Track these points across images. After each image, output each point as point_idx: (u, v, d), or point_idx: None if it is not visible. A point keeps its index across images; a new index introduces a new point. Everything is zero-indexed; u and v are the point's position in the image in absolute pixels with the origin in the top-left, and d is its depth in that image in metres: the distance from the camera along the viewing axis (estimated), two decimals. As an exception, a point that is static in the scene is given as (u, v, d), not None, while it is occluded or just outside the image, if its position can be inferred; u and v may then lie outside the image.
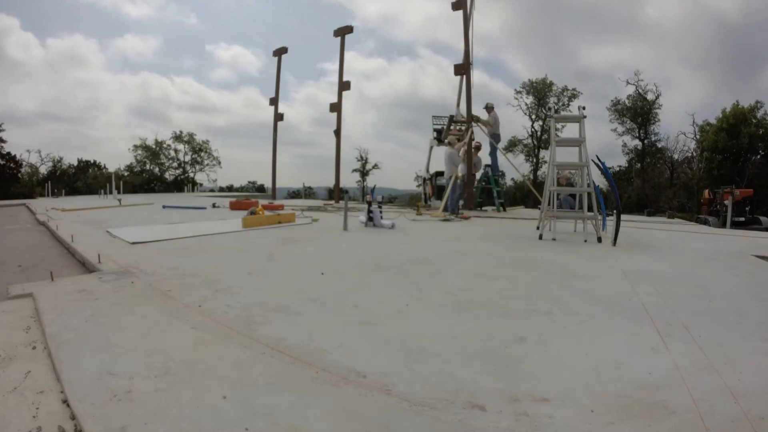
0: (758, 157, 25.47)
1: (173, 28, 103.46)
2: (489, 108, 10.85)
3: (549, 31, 70.01)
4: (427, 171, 12.83)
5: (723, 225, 11.67)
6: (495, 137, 10.67)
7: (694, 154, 28.31)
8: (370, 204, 6.61)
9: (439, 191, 11.64)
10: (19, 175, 30.61)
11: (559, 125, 7.30)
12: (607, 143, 33.28)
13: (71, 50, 72.69)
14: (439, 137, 11.97)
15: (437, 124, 12.46)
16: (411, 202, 17.17)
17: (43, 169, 32.88)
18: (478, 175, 11.33)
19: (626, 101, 29.83)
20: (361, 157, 38.63)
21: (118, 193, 16.83)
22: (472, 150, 10.39)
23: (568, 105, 31.61)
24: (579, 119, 5.66)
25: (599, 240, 5.08)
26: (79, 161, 34.24)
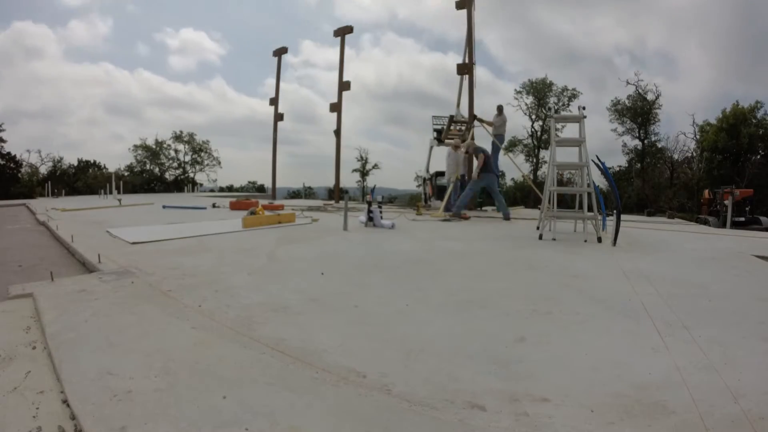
0: (758, 157, 25.46)
1: (114, 15, 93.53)
2: (499, 109, 10.85)
3: (531, 4, 66.59)
4: (427, 171, 12.83)
5: (723, 225, 11.66)
6: (499, 138, 10.66)
7: (694, 154, 28.31)
8: (370, 204, 6.61)
9: (439, 191, 11.65)
10: (19, 175, 30.60)
11: (559, 125, 7.30)
12: (607, 143, 33.05)
13: (24, 40, 66.64)
14: (440, 137, 11.97)
15: (437, 124, 12.46)
16: (411, 202, 17.17)
17: (43, 169, 32.89)
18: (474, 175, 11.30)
19: (626, 101, 29.84)
20: (361, 157, 38.63)
21: (118, 193, 16.84)
22: (459, 150, 10.23)
23: (568, 105, 31.64)
24: (579, 119, 5.67)
25: (599, 240, 5.08)
26: (79, 161, 34.25)
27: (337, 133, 14.66)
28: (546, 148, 29.40)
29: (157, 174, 35.97)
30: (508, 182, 31.62)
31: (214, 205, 10.91)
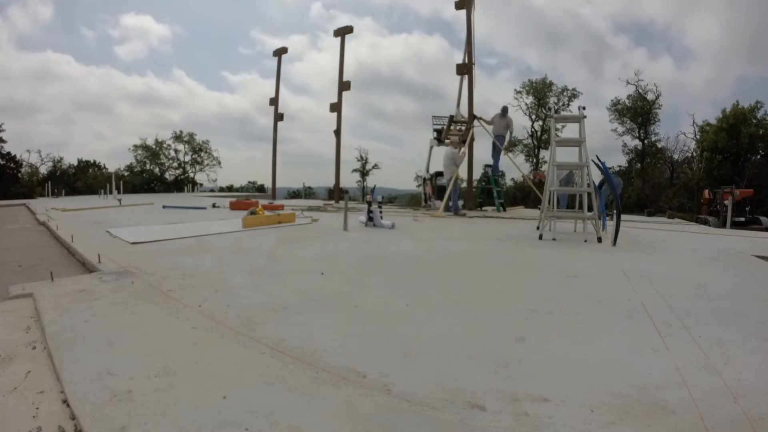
0: (758, 157, 25.43)
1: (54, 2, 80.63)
2: (504, 111, 10.79)
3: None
4: (427, 171, 12.83)
5: (723, 225, 11.66)
6: (499, 139, 10.65)
7: (694, 154, 28.30)
8: (370, 204, 6.61)
9: (439, 191, 11.65)
10: (19, 175, 30.58)
11: (559, 125, 7.30)
12: (607, 140, 32.62)
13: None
14: (439, 137, 11.98)
15: (437, 124, 12.46)
16: (411, 202, 17.17)
17: (43, 169, 32.87)
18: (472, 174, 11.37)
19: (626, 101, 29.84)
20: (361, 157, 38.64)
21: (118, 193, 16.84)
22: (460, 148, 10.12)
23: (568, 105, 31.62)
24: (579, 119, 5.67)
25: (599, 240, 5.09)
26: (79, 161, 34.26)
27: (337, 133, 14.66)
28: (546, 148, 29.39)
29: (157, 174, 35.95)
30: (508, 182, 31.59)
31: (214, 205, 10.91)
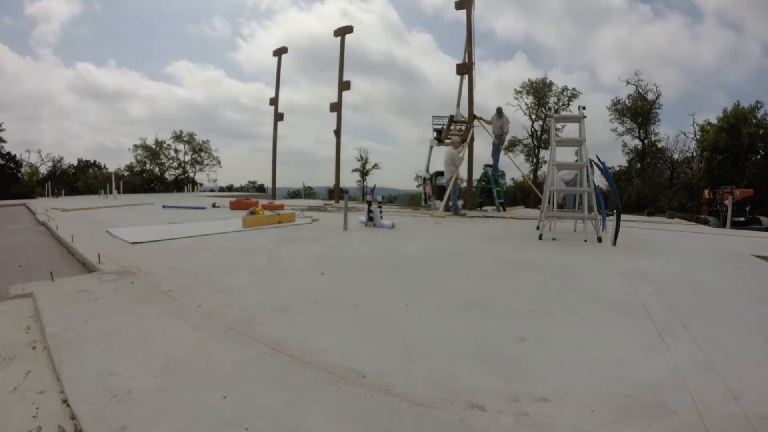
0: (758, 157, 25.45)
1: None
2: (499, 112, 10.77)
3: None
4: (427, 171, 12.84)
5: (723, 225, 11.67)
6: (499, 138, 10.64)
7: (694, 154, 28.31)
8: (370, 204, 6.61)
9: (439, 191, 11.66)
10: (19, 175, 30.60)
11: (559, 125, 7.30)
12: (606, 143, 32.37)
13: None
14: (439, 137, 11.98)
15: (437, 124, 12.47)
16: (411, 202, 17.17)
17: (43, 169, 32.89)
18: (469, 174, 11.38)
19: (626, 101, 29.85)
20: (361, 157, 38.67)
21: (119, 193, 16.84)
22: (459, 148, 10.06)
23: (568, 105, 31.63)
24: (579, 119, 5.67)
25: (599, 240, 5.08)
26: (79, 161, 34.28)
27: (337, 133, 14.66)
28: (546, 148, 29.38)
29: (157, 174, 35.95)
30: (508, 182, 31.59)
31: (214, 205, 10.91)
